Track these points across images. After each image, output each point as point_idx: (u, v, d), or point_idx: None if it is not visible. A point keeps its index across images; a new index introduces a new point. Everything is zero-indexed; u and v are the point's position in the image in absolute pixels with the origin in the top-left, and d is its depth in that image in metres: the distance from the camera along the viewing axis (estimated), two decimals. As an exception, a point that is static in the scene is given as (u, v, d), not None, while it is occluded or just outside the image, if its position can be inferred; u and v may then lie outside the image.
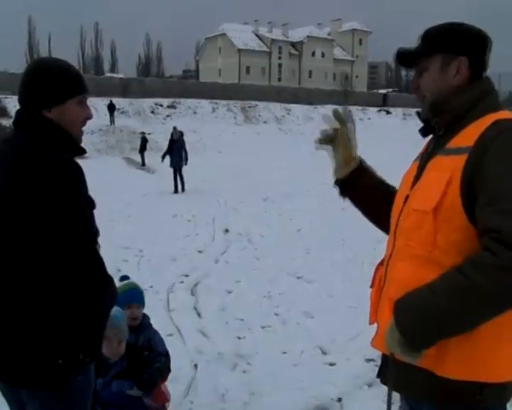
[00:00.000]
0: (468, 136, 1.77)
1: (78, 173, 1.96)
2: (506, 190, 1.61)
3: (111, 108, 37.15)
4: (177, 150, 17.46)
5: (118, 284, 3.40)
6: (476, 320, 1.66)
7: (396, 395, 4.05)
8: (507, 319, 1.69)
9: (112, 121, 36.79)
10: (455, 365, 1.75)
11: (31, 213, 1.88)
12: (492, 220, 1.60)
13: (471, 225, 1.70)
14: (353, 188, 2.35)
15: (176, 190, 17.04)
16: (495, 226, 1.58)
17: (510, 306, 1.62)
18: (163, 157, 17.66)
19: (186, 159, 17.62)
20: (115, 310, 2.71)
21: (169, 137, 18.16)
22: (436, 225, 1.75)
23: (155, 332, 3.44)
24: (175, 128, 18.65)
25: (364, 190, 2.32)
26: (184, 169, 17.49)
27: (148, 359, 3.13)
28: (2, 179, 1.94)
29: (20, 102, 2.10)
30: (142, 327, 3.38)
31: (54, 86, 2.06)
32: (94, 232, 2.02)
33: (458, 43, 1.89)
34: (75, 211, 1.93)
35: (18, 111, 2.11)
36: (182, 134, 18.25)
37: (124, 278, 3.54)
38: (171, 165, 17.43)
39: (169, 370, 3.30)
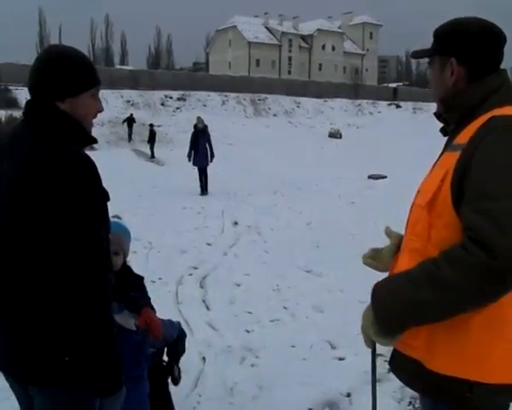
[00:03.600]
0: (467, 132, 1.78)
1: (93, 170, 1.92)
2: (486, 189, 1.61)
3: (130, 121, 32.73)
4: (202, 145, 15.06)
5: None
6: (443, 312, 1.67)
7: (405, 391, 4.04)
8: (499, 320, 1.71)
9: (130, 136, 32.70)
10: (443, 359, 1.77)
11: (43, 211, 1.85)
12: (469, 218, 1.62)
13: (460, 221, 1.70)
14: None
15: (202, 191, 15.00)
16: (470, 224, 1.60)
17: (475, 302, 1.62)
18: (189, 156, 15.24)
19: (212, 155, 15.17)
20: (114, 220, 2.54)
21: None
22: (430, 219, 1.79)
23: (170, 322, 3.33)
24: (199, 118, 16.02)
25: None
26: (209, 168, 15.36)
27: (137, 281, 2.93)
28: (14, 175, 1.90)
29: (32, 90, 2.03)
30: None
31: (70, 77, 2.01)
32: (103, 240, 1.95)
33: (448, 44, 1.93)
34: (87, 216, 1.88)
35: (29, 101, 2.05)
36: (206, 126, 15.56)
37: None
38: (195, 163, 15.21)
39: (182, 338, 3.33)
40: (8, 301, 1.96)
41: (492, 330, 1.72)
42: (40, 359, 1.94)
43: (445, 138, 2.15)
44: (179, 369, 3.39)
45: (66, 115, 2.00)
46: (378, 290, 1.82)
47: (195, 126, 15.46)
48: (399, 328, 1.77)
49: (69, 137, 1.98)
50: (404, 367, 1.93)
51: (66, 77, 2.00)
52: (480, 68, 1.89)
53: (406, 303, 1.69)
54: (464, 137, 1.78)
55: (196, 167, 15.26)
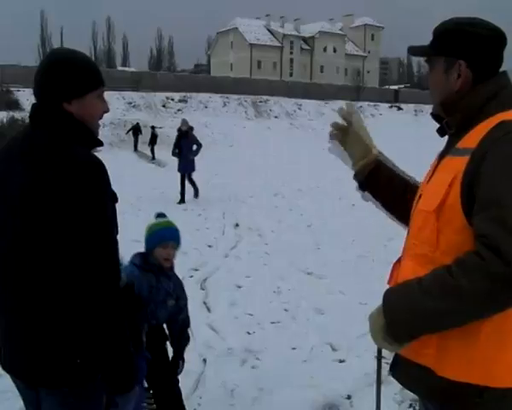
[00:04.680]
0: (474, 137, 1.76)
1: (104, 173, 1.94)
2: (499, 196, 1.60)
3: (136, 130, 30.66)
4: (186, 150, 13.95)
5: (154, 220, 3.33)
6: (458, 321, 1.67)
7: (405, 394, 4.03)
8: (509, 325, 1.70)
9: (136, 146, 30.43)
10: (455, 366, 1.75)
11: (56, 213, 1.85)
12: (484, 226, 1.60)
13: (470, 227, 1.69)
14: (372, 180, 2.34)
15: (183, 200, 13.81)
16: (485, 232, 1.58)
17: (491, 310, 1.62)
18: (173, 153, 14.32)
19: (197, 151, 14.16)
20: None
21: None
22: (438, 225, 1.76)
23: (179, 278, 3.43)
24: (183, 120, 15.18)
25: (382, 181, 2.32)
26: (194, 174, 14.34)
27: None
28: (26, 177, 1.90)
29: (38, 93, 2.04)
30: (171, 272, 3.32)
31: (76, 78, 2.02)
32: (115, 243, 1.98)
33: (457, 46, 1.87)
34: (100, 217, 1.91)
35: (35, 104, 2.06)
36: (192, 128, 14.75)
37: (160, 215, 3.35)
38: (179, 169, 14.20)
39: (189, 319, 3.46)
40: (21, 305, 1.96)
41: (502, 336, 1.71)
42: (52, 362, 1.94)
43: (442, 140, 2.14)
44: (184, 362, 3.42)
45: (74, 117, 2.02)
46: (389, 298, 1.79)
47: (179, 130, 14.53)
48: (408, 337, 1.75)
49: (78, 140, 1.99)
50: (410, 374, 1.90)
51: (71, 78, 2.01)
52: (486, 72, 1.87)
53: (419, 313, 1.67)
54: (471, 141, 1.76)
55: (180, 173, 14.20)
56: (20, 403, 2.26)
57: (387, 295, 1.80)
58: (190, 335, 3.53)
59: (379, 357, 2.18)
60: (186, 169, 14.15)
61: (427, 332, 1.73)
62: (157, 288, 3.16)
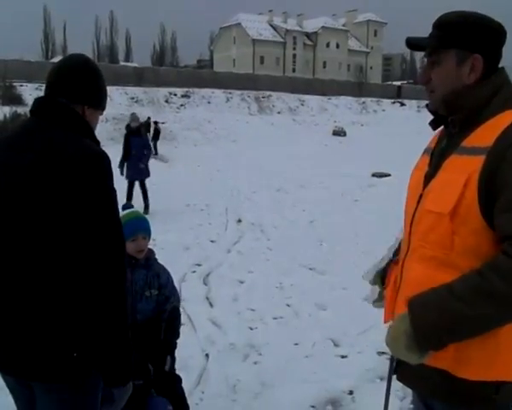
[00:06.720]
0: (486, 135, 1.72)
1: (110, 166, 2.01)
2: None
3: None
4: (136, 150, 11.25)
5: (121, 213, 3.24)
6: (492, 325, 1.64)
7: (407, 390, 4.03)
8: None
9: (155, 148, 24.57)
10: (474, 366, 1.72)
11: (65, 201, 1.88)
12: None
13: (488, 228, 1.66)
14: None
15: (146, 209, 11.35)
16: None
17: None
18: (121, 166, 11.21)
19: (147, 157, 11.67)
20: None
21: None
22: (453, 227, 1.71)
23: (163, 268, 3.36)
24: (133, 115, 12.25)
25: None
26: (149, 180, 11.87)
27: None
28: (31, 168, 1.92)
29: (61, 89, 2.09)
30: (149, 262, 3.26)
31: (103, 92, 2.25)
32: (121, 236, 2.00)
33: (475, 40, 1.81)
34: (109, 208, 1.96)
35: (41, 99, 2.10)
36: (148, 124, 12.02)
37: (127, 206, 3.29)
38: (127, 175, 11.33)
39: (179, 311, 3.46)
40: (19, 298, 1.95)
41: None
42: (48, 355, 1.94)
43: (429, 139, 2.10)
44: (174, 360, 3.38)
45: (82, 116, 2.10)
46: (417, 305, 1.71)
47: (128, 126, 11.98)
48: (439, 344, 1.68)
49: (84, 136, 2.04)
50: (421, 376, 1.85)
51: (102, 89, 2.23)
52: (494, 67, 1.85)
53: (454, 320, 1.62)
54: (482, 139, 1.72)
55: (128, 181, 11.43)
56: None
57: (414, 303, 1.72)
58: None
59: (391, 358, 2.14)
60: (137, 175, 11.54)
61: (459, 339, 1.68)
62: (133, 281, 3.14)
